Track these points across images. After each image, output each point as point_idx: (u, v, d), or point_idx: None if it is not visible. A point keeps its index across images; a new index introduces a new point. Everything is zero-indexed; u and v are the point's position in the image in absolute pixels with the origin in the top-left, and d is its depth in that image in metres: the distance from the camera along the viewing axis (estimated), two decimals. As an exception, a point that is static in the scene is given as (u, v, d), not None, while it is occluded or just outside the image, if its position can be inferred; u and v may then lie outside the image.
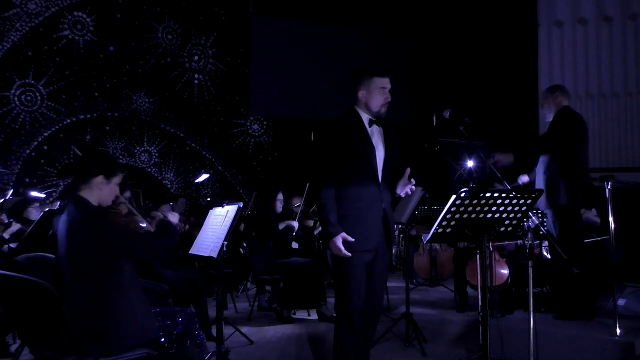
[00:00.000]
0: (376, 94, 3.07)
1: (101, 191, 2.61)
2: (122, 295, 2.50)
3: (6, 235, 5.18)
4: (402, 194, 3.14)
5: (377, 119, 3.10)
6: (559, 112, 4.18)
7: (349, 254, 2.92)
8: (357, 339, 3.06)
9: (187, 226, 6.08)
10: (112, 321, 2.45)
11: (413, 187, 3.11)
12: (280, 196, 5.90)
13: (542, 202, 4.08)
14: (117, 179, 2.68)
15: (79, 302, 2.47)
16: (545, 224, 4.23)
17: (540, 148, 4.18)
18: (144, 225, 2.81)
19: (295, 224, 5.82)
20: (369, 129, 3.09)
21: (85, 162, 2.63)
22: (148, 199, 7.24)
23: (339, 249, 2.91)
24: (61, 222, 2.59)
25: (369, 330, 3.17)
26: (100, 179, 2.59)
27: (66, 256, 2.53)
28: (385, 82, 3.08)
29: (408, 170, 3.09)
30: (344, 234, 2.92)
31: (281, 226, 5.74)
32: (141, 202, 6.77)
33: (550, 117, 4.26)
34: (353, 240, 2.93)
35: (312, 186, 3.09)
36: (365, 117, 3.11)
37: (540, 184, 4.13)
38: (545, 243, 3.33)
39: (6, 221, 5.34)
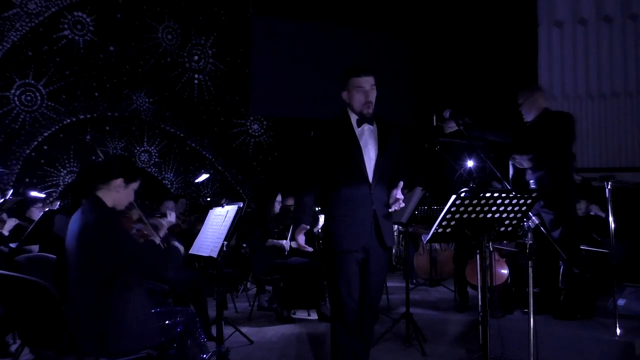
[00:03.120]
0: (355, 94, 3.04)
1: (118, 194, 2.67)
2: (126, 298, 2.51)
3: (5, 232, 5.19)
4: (390, 209, 3.08)
5: (369, 118, 3.08)
6: (543, 115, 4.19)
7: (309, 248, 3.07)
8: (354, 340, 3.05)
9: (185, 224, 6.07)
10: (114, 323, 2.45)
11: (402, 204, 3.06)
12: (279, 197, 5.90)
13: (544, 202, 4.08)
14: (135, 185, 2.75)
15: (82, 301, 2.48)
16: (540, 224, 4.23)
17: (547, 155, 4.15)
18: (150, 235, 2.86)
19: (287, 243, 5.53)
20: (357, 129, 3.07)
21: (109, 163, 2.70)
22: (148, 199, 7.24)
23: (298, 242, 3.05)
24: (74, 219, 2.62)
25: (366, 331, 3.15)
26: (119, 181, 2.66)
27: (75, 254, 2.54)
28: (362, 82, 3.04)
29: (401, 183, 3.04)
30: (303, 225, 3.04)
31: (269, 243, 5.54)
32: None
33: (529, 117, 4.26)
34: (308, 227, 3.05)
35: (295, 187, 3.16)
36: (353, 118, 3.09)
37: (542, 184, 4.11)
38: (534, 220, 3.31)
39: (5, 219, 5.35)
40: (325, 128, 3.11)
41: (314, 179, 3.06)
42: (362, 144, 3.05)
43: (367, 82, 3.05)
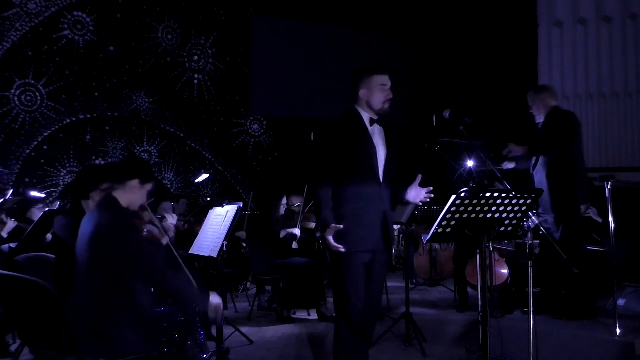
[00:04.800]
0: (377, 92, 3.07)
1: (133, 194, 2.72)
2: (131, 299, 2.51)
3: (4, 234, 5.18)
4: (417, 201, 3.12)
5: (379, 118, 3.09)
6: (551, 114, 4.19)
7: (342, 248, 2.91)
8: (357, 340, 3.06)
9: (186, 225, 6.07)
10: (116, 323, 2.45)
11: (431, 195, 3.08)
12: (284, 200, 5.91)
13: (544, 204, 4.08)
14: (149, 186, 2.81)
15: (87, 300, 2.48)
16: (543, 224, 4.23)
17: (544, 152, 4.17)
18: (159, 237, 2.89)
19: (298, 231, 5.66)
20: (369, 129, 3.09)
21: (127, 164, 2.73)
22: (148, 198, 7.23)
23: (330, 243, 2.91)
24: (87, 218, 2.64)
25: (367, 331, 3.17)
26: (135, 182, 2.71)
27: (86, 252, 2.55)
28: (386, 80, 3.09)
29: (419, 176, 3.08)
30: (334, 225, 2.91)
31: (282, 234, 5.64)
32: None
33: (541, 118, 4.27)
34: (341, 227, 2.92)
35: (309, 185, 3.13)
36: (366, 117, 3.10)
37: (542, 186, 4.12)
38: (534, 220, 3.33)
39: (5, 220, 5.34)
40: (337, 126, 3.09)
41: (330, 176, 3.02)
42: (374, 144, 3.07)
43: (389, 80, 3.11)
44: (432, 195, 3.10)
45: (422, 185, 3.19)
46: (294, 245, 5.97)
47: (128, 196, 2.69)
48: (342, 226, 2.92)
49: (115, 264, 2.48)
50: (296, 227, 5.70)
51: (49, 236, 5.12)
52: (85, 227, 2.61)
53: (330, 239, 2.92)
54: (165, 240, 2.92)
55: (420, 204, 3.21)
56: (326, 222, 2.94)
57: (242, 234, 6.37)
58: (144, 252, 2.57)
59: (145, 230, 2.87)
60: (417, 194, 3.10)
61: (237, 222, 4.01)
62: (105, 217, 2.55)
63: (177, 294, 2.66)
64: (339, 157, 3.02)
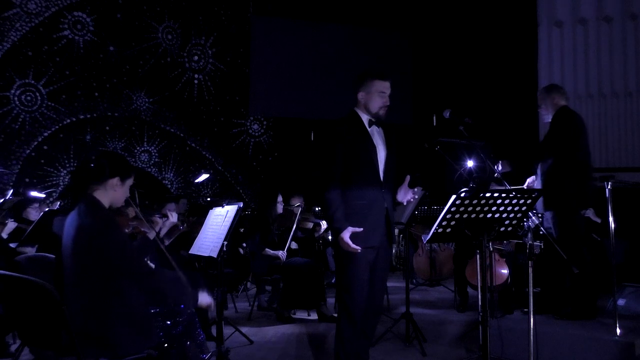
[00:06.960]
0: (375, 97, 3.10)
1: (115, 192, 2.64)
2: (123, 299, 2.50)
3: (4, 235, 5.17)
4: (404, 201, 3.17)
5: (376, 120, 3.13)
6: (557, 113, 4.18)
7: (359, 248, 2.93)
8: (358, 338, 3.08)
9: (185, 224, 6.06)
10: (112, 324, 2.44)
11: (416, 195, 3.17)
12: (279, 198, 5.89)
13: (540, 203, 4.09)
14: (130, 181, 2.71)
15: (79, 303, 2.47)
16: (544, 223, 4.23)
17: (541, 156, 4.18)
18: (146, 230, 2.86)
19: (283, 255, 5.48)
20: (369, 130, 3.12)
21: (102, 163, 2.63)
22: (148, 199, 7.24)
23: (347, 244, 2.92)
24: (69, 221, 2.59)
25: (369, 329, 3.20)
26: (115, 180, 2.62)
27: (70, 256, 2.53)
28: (386, 87, 3.11)
29: (408, 177, 3.13)
30: (351, 228, 2.93)
31: (267, 252, 5.49)
32: (137, 200, 6.77)
33: (549, 118, 4.26)
34: (361, 229, 2.94)
35: (316, 186, 3.12)
36: (365, 118, 3.14)
37: (539, 185, 4.13)
38: (534, 220, 3.35)
39: (7, 222, 5.33)
40: (338, 126, 3.12)
41: (337, 178, 3.04)
42: (375, 143, 3.11)
43: (389, 87, 3.13)
44: (416, 196, 3.18)
45: (420, 186, 3.24)
46: (294, 245, 5.96)
47: (110, 195, 2.61)
48: (361, 229, 2.93)
49: (101, 267, 2.45)
50: (283, 250, 5.50)
51: (32, 249, 5.10)
52: (68, 229, 2.57)
53: (349, 240, 2.92)
54: (152, 235, 2.89)
55: (405, 203, 3.24)
56: (340, 226, 2.95)
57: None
58: (127, 255, 2.50)
59: (131, 226, 2.84)
60: (404, 194, 3.17)
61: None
62: (86, 221, 2.49)
63: (162, 294, 2.63)
64: (342, 157, 3.04)
